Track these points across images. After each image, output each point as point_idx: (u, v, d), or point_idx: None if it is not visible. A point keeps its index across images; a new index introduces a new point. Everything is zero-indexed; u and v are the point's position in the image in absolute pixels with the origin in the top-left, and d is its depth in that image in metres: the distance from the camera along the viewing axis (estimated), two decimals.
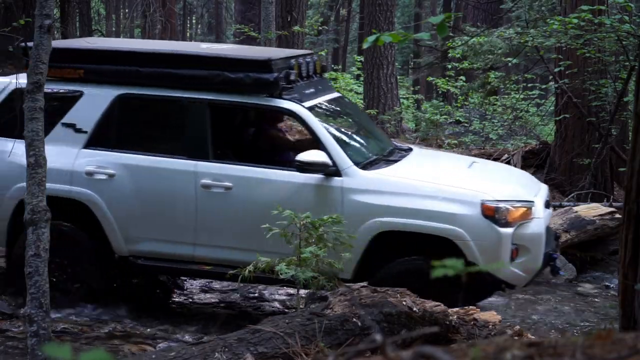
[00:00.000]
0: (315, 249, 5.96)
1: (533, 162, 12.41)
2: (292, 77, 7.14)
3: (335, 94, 8.04)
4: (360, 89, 20.23)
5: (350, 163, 6.86)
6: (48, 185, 7.12)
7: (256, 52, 8.20)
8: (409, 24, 29.50)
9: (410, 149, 7.92)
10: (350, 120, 7.99)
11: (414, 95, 23.87)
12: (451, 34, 14.30)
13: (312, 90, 7.49)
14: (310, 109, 7.14)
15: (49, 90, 7.35)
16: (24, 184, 7.22)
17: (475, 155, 13.01)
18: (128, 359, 6.09)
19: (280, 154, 7.77)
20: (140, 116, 7.58)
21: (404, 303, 5.13)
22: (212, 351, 4.61)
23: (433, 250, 6.59)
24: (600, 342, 1.60)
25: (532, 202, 6.83)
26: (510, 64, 14.06)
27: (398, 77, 19.31)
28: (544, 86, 15.36)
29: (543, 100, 16.54)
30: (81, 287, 7.36)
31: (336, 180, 6.81)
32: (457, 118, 17.41)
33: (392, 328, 4.92)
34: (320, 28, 22.63)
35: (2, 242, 7.57)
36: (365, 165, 6.99)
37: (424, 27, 25.62)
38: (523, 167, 11.24)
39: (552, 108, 14.60)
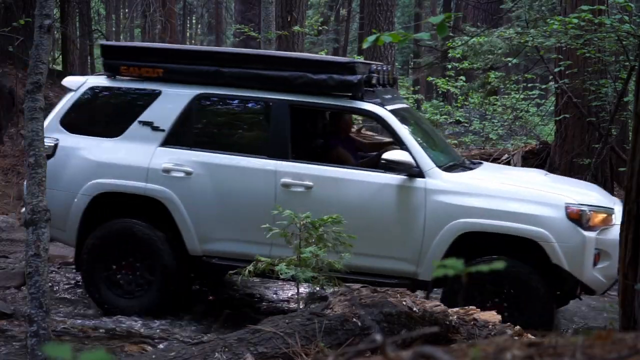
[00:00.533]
0: (315, 249, 5.96)
1: (533, 162, 12.40)
2: (374, 81, 7.23)
3: (406, 105, 8.11)
4: None
5: (433, 165, 6.93)
6: (124, 182, 7.25)
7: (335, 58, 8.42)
8: (409, 24, 29.49)
9: (481, 162, 8.08)
10: (422, 129, 8.03)
11: (414, 95, 23.86)
12: (451, 34, 14.30)
13: (389, 96, 7.59)
14: (392, 112, 7.20)
15: (126, 88, 7.54)
16: (100, 180, 7.30)
17: (475, 155, 13.01)
18: (128, 359, 6.09)
19: (355, 156, 7.90)
20: (218, 116, 7.61)
21: (404, 303, 5.13)
22: (212, 351, 4.61)
23: (514, 252, 6.66)
24: (600, 342, 1.60)
25: (613, 209, 6.89)
26: (510, 64, 14.05)
27: (398, 77, 19.32)
28: (544, 86, 15.35)
29: (543, 100, 16.54)
30: (153, 288, 7.31)
31: (419, 181, 6.86)
32: (457, 118, 17.42)
33: (392, 328, 4.92)
34: (320, 28, 22.61)
35: (71, 240, 7.51)
36: (446, 169, 7.06)
37: (424, 27, 25.61)
38: (523, 167, 11.24)
39: (552, 108, 14.60)
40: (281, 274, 5.89)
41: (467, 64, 14.57)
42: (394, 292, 5.39)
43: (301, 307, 6.91)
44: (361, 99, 7.14)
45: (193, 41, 41.70)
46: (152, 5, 18.17)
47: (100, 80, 7.63)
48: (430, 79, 20.05)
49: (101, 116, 7.64)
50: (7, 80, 13.67)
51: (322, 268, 5.97)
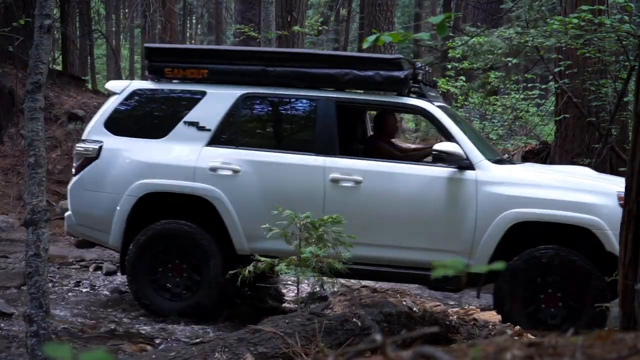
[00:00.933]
0: (315, 249, 5.96)
1: (533, 162, 12.40)
2: (420, 77, 7.28)
3: (444, 104, 8.15)
4: None
5: (482, 157, 6.97)
6: (171, 181, 7.24)
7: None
8: (409, 24, 29.48)
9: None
10: (466, 126, 8.06)
11: None
12: (451, 34, 14.30)
13: (432, 94, 7.66)
14: (439, 107, 7.25)
15: (170, 90, 7.56)
16: (146, 180, 7.28)
17: None
18: (128, 359, 6.09)
19: (399, 150, 7.96)
20: (264, 114, 7.68)
21: (404, 303, 5.13)
22: (212, 351, 4.61)
23: (566, 242, 6.69)
24: (600, 342, 1.60)
25: None
26: (510, 64, 14.04)
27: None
28: (544, 86, 15.35)
29: (543, 100, 16.54)
30: (201, 290, 7.25)
31: (469, 173, 6.89)
32: None
33: (392, 328, 4.92)
34: (320, 28, 22.59)
35: (116, 243, 7.42)
36: (494, 162, 7.10)
37: (424, 27, 25.61)
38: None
39: (552, 108, 14.60)
40: (281, 273, 5.88)
41: (467, 64, 14.56)
42: (394, 292, 5.39)
43: (301, 307, 6.91)
44: (408, 95, 7.20)
45: (193, 41, 41.69)
46: (152, 5, 18.16)
47: (143, 84, 7.72)
48: None
49: (146, 118, 7.65)
50: (7, 80, 13.67)
51: (322, 268, 5.97)
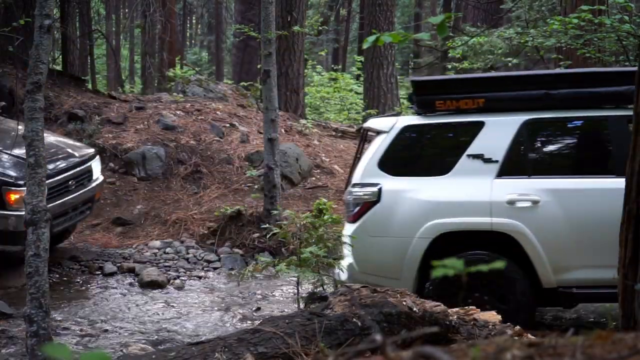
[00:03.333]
0: (315, 249, 5.96)
1: None
2: None
3: None
4: (360, 89, 20.24)
5: None
6: (467, 219, 6.84)
7: None
8: (409, 24, 29.49)
9: None
10: None
11: None
12: (451, 34, 14.30)
13: None
14: None
15: (444, 123, 7.19)
16: (440, 220, 6.81)
17: None
18: (128, 359, 6.09)
19: None
20: (550, 139, 7.35)
21: (404, 303, 5.13)
22: (212, 351, 4.61)
23: None
24: (600, 342, 1.60)
25: None
26: (510, 64, 14.05)
27: (398, 77, 19.30)
28: None
29: None
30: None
31: None
32: None
33: (392, 328, 4.91)
34: (320, 28, 22.61)
35: (407, 288, 6.92)
36: None
37: (424, 27, 25.62)
38: None
39: None
40: (281, 273, 5.88)
41: (467, 64, 14.57)
42: (394, 292, 5.39)
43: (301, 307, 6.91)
44: None
45: (193, 41, 41.69)
46: (152, 5, 18.16)
47: (412, 119, 7.31)
48: None
49: (422, 155, 7.36)
50: (7, 80, 13.66)
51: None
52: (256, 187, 11.26)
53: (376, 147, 7.14)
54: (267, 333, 4.70)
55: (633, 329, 3.82)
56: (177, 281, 8.94)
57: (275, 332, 4.70)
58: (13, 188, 7.89)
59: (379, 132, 7.24)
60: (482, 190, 6.88)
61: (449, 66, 17.64)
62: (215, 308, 8.00)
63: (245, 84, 16.54)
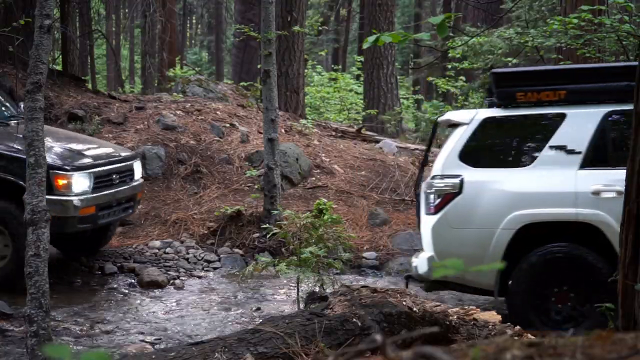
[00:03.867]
0: (315, 249, 5.96)
1: None
2: None
3: None
4: (360, 89, 20.25)
5: None
6: (552, 210, 6.81)
7: None
8: (409, 24, 29.50)
9: None
10: None
11: (414, 96, 23.85)
12: (451, 34, 14.29)
13: None
14: None
15: (525, 115, 7.15)
16: (524, 211, 6.78)
17: None
18: (128, 359, 6.09)
19: None
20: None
21: (404, 303, 5.13)
22: (212, 351, 4.61)
23: None
24: (600, 342, 1.60)
25: None
26: (510, 64, 14.05)
27: (398, 77, 19.31)
28: None
29: None
30: (588, 322, 6.69)
31: None
32: None
33: (392, 328, 4.92)
34: (320, 28, 22.61)
35: (488, 281, 6.93)
36: None
37: (424, 27, 25.62)
38: None
39: None
40: (281, 273, 5.88)
41: (467, 64, 14.56)
42: (394, 292, 5.39)
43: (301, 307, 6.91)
44: None
45: (193, 41, 41.68)
46: (152, 5, 18.17)
47: (491, 111, 7.31)
48: (430, 79, 20.06)
49: (504, 146, 7.41)
50: (7, 80, 13.66)
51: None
52: (256, 187, 11.26)
53: (457, 139, 7.17)
54: (267, 333, 4.70)
55: (633, 329, 3.82)
56: (177, 281, 8.94)
57: (275, 332, 4.71)
58: (61, 173, 8.05)
59: (458, 125, 7.25)
60: (567, 181, 6.91)
61: (449, 66, 17.64)
62: (215, 308, 8.00)
63: (245, 84, 16.55)
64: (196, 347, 4.74)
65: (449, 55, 15.46)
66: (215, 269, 9.50)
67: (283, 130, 13.18)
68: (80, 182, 8.19)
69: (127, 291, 8.59)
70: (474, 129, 7.16)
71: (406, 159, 13.01)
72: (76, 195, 8.12)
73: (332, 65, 27.22)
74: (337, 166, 12.55)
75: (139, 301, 8.23)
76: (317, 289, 7.17)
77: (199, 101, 14.30)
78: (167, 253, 9.77)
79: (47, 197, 7.79)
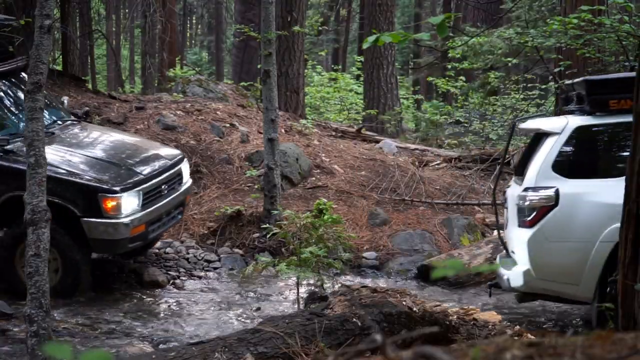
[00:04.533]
0: (315, 249, 5.96)
1: None
2: None
3: None
4: (360, 89, 20.25)
5: None
6: None
7: None
8: (409, 24, 29.48)
9: None
10: None
11: (414, 96, 23.86)
12: (451, 34, 14.30)
13: None
14: None
15: (620, 123, 6.90)
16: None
17: (475, 155, 13.00)
18: (128, 359, 6.09)
19: None
20: None
21: (404, 303, 5.13)
22: (212, 351, 4.61)
23: None
24: (600, 342, 1.60)
25: None
26: (510, 64, 14.05)
27: (398, 77, 19.30)
28: (544, 86, 15.35)
29: (543, 101, 16.54)
30: None
31: None
32: (457, 118, 17.42)
33: (392, 328, 4.92)
34: (320, 28, 22.62)
35: (586, 294, 6.76)
36: None
37: (424, 27, 25.60)
38: None
39: (552, 108, 14.60)
40: (281, 273, 5.88)
41: (467, 64, 14.56)
42: (394, 292, 5.39)
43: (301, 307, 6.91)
44: None
45: (193, 41, 41.68)
46: (152, 5, 18.16)
47: (583, 120, 7.09)
48: (430, 79, 20.06)
49: (599, 156, 7.25)
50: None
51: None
52: (256, 187, 11.26)
53: (548, 149, 6.97)
54: (267, 333, 4.71)
55: (633, 329, 3.83)
56: (178, 281, 8.94)
57: (275, 332, 4.71)
58: (110, 195, 7.74)
59: (549, 134, 7.06)
60: None
61: (449, 66, 17.64)
62: (215, 308, 8.00)
63: (245, 84, 16.55)
64: (196, 347, 4.74)
65: (449, 55, 15.46)
66: (215, 269, 9.50)
67: (283, 130, 13.18)
68: (130, 202, 7.87)
69: (127, 291, 8.59)
70: (566, 138, 6.95)
71: (406, 159, 13.02)
72: (126, 216, 7.80)
73: (332, 65, 27.22)
74: (337, 166, 12.55)
75: (139, 301, 8.23)
76: (317, 289, 7.17)
77: (199, 101, 14.31)
78: (167, 253, 9.77)
79: (97, 220, 7.70)
